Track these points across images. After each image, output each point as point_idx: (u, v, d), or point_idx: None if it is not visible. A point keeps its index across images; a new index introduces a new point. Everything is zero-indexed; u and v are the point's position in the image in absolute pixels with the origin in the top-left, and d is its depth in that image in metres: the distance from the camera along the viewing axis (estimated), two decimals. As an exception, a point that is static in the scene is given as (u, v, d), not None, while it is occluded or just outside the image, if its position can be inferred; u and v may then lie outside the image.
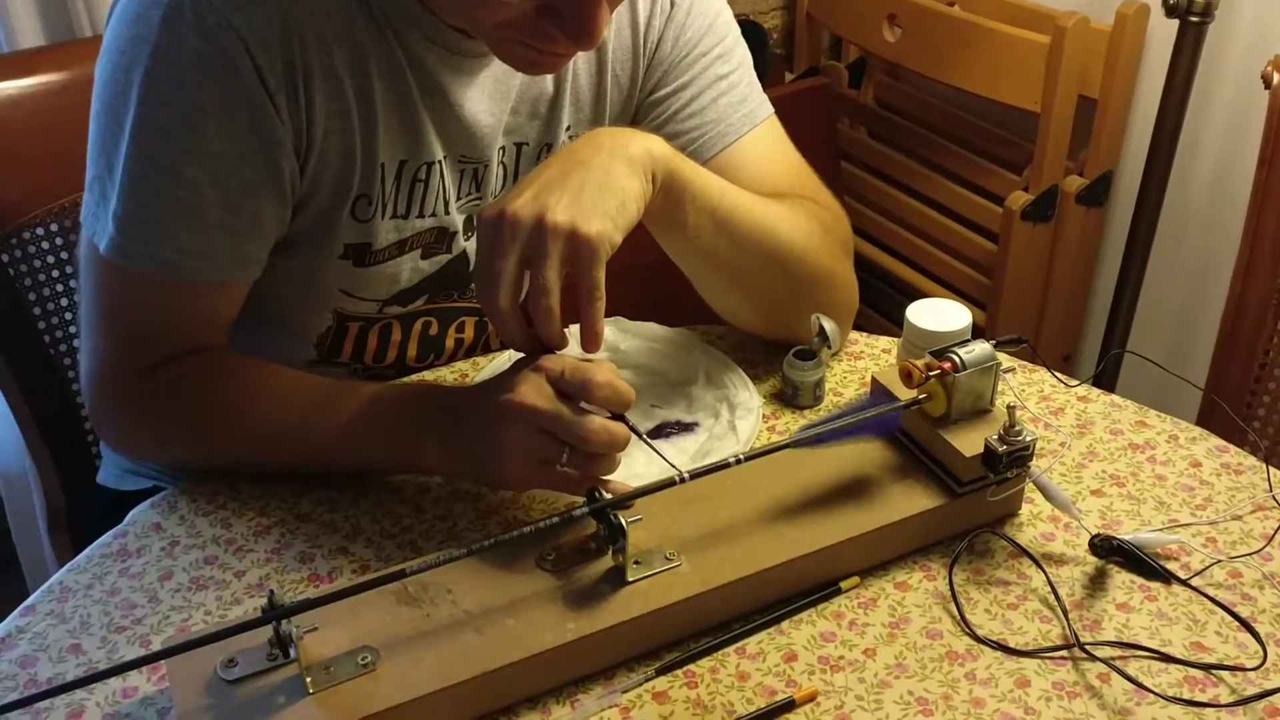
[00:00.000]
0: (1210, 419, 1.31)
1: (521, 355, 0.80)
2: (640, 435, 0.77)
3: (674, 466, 0.75)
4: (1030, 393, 0.99)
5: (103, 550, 0.84)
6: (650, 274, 0.98)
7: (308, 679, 0.69)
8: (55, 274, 1.16)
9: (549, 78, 0.97)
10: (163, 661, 0.72)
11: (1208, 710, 0.71)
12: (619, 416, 0.77)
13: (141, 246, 0.83)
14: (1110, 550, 0.81)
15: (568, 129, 1.00)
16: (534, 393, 0.76)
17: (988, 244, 1.79)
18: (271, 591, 0.67)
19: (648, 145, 0.82)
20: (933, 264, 1.91)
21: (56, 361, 1.18)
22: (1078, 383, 0.98)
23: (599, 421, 0.76)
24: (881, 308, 1.99)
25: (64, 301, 1.17)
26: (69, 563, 0.83)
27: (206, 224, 0.84)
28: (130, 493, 1.08)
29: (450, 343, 1.07)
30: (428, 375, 1.03)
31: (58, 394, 1.18)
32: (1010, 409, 0.79)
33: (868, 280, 1.25)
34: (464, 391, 0.86)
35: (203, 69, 0.79)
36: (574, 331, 0.79)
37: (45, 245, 1.15)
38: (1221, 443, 0.93)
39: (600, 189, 0.78)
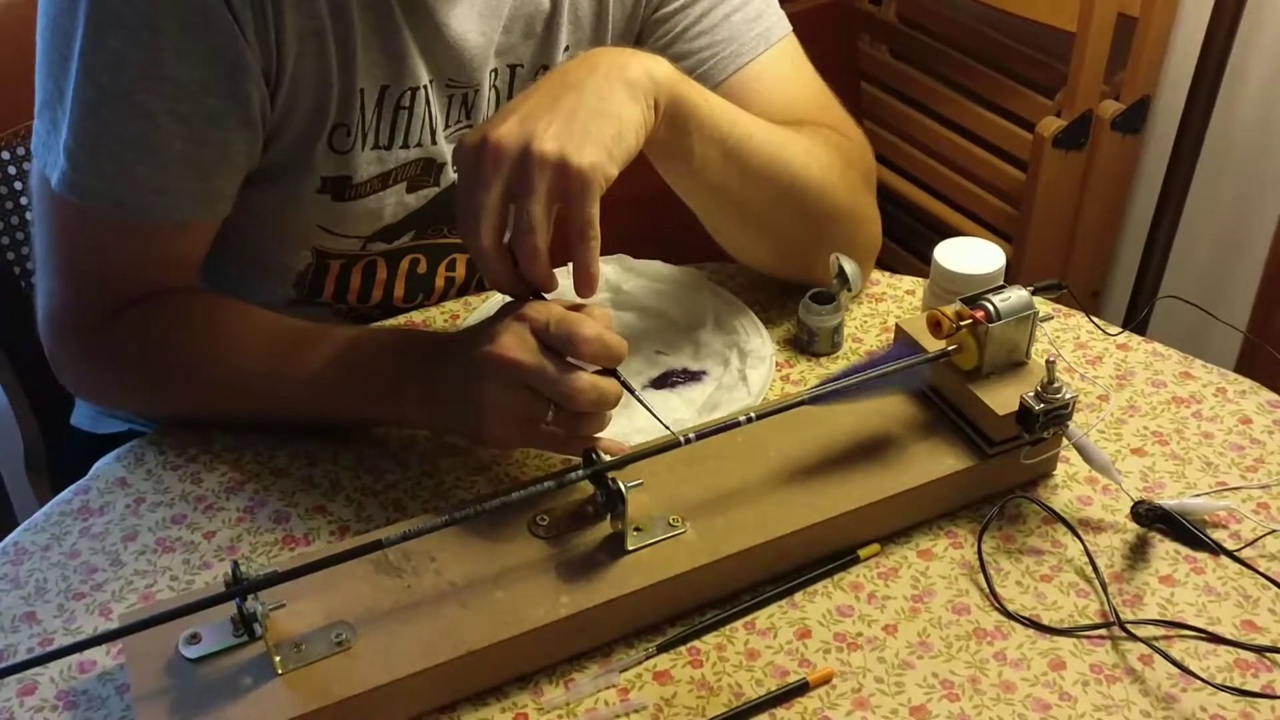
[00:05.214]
0: (1251, 365, 1.24)
1: (511, 298, 0.73)
2: (634, 394, 0.71)
3: (671, 431, 0.69)
4: (1065, 339, 0.92)
5: (62, 508, 0.78)
6: (653, 206, 0.90)
7: (276, 658, 0.63)
8: (24, 202, 1.09)
9: (545, -8, 0.88)
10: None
11: (1261, 700, 0.65)
12: (611, 371, 0.70)
13: (97, 182, 0.76)
14: (1154, 518, 0.74)
15: (566, 49, 0.91)
16: (516, 345, 0.69)
17: (1016, 172, 1.69)
18: (235, 564, 0.61)
19: (649, 67, 0.74)
20: (956, 193, 1.82)
21: (26, 294, 1.11)
22: (1119, 330, 0.90)
23: (587, 378, 0.69)
24: (901, 239, 1.90)
25: (31, 231, 1.09)
26: (25, 521, 0.77)
27: (168, 158, 0.76)
28: (106, 435, 1.02)
29: (440, 281, 0.99)
30: (416, 316, 0.96)
31: (28, 329, 1.12)
32: (1049, 363, 0.72)
33: (887, 210, 1.16)
34: (447, 338, 0.79)
35: None
36: (569, 270, 0.72)
37: (13, 170, 1.07)
38: (1274, 396, 0.86)
39: (594, 115, 0.70)
